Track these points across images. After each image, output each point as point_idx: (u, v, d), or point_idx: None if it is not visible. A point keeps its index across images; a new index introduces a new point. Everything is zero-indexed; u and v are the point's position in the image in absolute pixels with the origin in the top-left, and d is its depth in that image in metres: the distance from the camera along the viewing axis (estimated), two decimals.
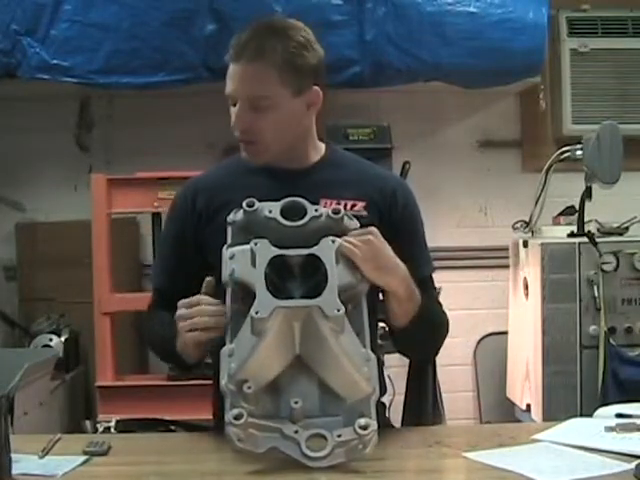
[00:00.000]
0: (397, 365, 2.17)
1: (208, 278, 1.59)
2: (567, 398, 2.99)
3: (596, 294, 2.99)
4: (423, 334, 1.69)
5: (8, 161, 3.66)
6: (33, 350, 3.22)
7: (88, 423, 3.14)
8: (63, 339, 3.31)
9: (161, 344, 1.74)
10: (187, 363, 1.66)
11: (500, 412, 3.62)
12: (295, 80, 1.68)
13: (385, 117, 3.56)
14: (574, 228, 3.14)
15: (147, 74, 3.18)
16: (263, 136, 1.70)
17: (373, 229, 1.57)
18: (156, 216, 3.26)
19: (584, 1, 3.67)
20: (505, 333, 3.55)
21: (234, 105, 1.70)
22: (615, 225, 3.21)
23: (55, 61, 3.14)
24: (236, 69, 1.67)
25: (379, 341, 1.77)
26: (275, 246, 1.51)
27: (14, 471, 1.33)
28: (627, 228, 3.20)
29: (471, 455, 1.48)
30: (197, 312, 1.53)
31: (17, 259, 3.67)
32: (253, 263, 1.49)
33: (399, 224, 1.75)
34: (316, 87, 1.73)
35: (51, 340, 3.29)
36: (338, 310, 1.44)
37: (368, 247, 1.53)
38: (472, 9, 3.22)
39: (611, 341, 2.95)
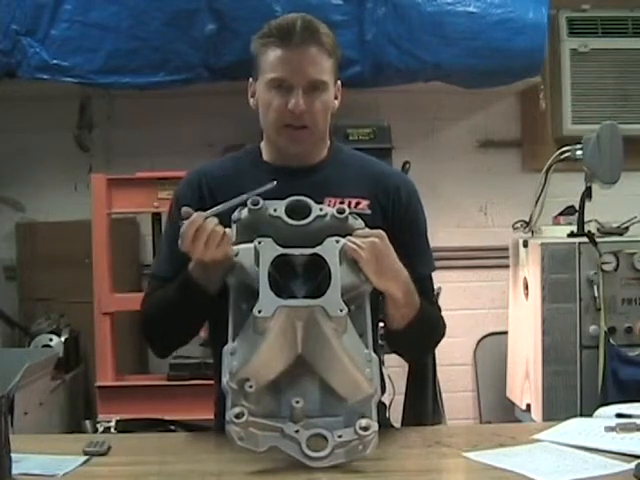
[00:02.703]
0: (397, 365, 2.17)
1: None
2: (567, 398, 2.99)
3: (596, 294, 2.99)
4: (418, 338, 1.69)
5: (8, 161, 3.66)
6: (33, 350, 3.22)
7: (88, 423, 3.14)
8: (63, 339, 3.31)
9: (168, 302, 1.70)
10: (208, 292, 1.61)
11: (500, 412, 3.62)
12: (336, 68, 1.72)
13: (385, 117, 3.56)
14: (574, 228, 3.14)
15: (147, 74, 3.18)
16: (316, 120, 1.70)
17: (380, 232, 1.57)
18: (156, 216, 3.26)
19: (584, 1, 3.67)
20: (505, 333, 3.54)
21: (278, 90, 1.67)
22: (615, 225, 3.21)
23: (55, 61, 3.14)
24: (289, 53, 1.65)
25: (379, 341, 1.76)
26: (279, 245, 1.51)
27: (14, 471, 1.33)
28: (627, 228, 3.20)
29: (471, 455, 1.48)
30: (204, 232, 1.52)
31: (17, 259, 3.67)
32: (257, 261, 1.49)
33: (402, 222, 1.76)
34: (338, 80, 1.76)
35: (51, 340, 3.29)
36: (341, 310, 1.44)
37: (371, 249, 1.53)
38: (472, 9, 3.22)
39: (611, 341, 2.95)
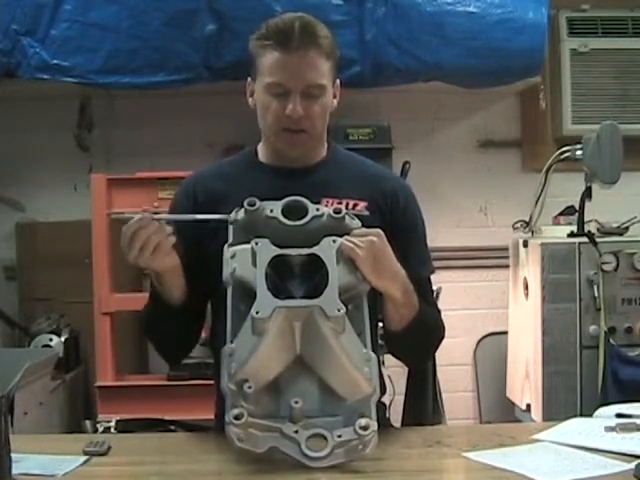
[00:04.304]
0: (397, 365, 2.16)
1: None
2: (567, 398, 2.99)
3: (596, 294, 2.98)
4: (417, 340, 1.69)
5: (8, 161, 3.66)
6: (33, 350, 3.22)
7: (88, 423, 3.14)
8: (63, 339, 3.31)
9: (150, 313, 1.74)
10: (172, 301, 1.65)
11: (500, 412, 3.62)
12: (334, 69, 1.72)
13: (385, 117, 3.56)
14: (574, 228, 3.14)
15: (147, 74, 3.18)
16: (314, 124, 1.70)
17: (378, 231, 1.56)
18: None
19: (584, 1, 3.67)
20: (505, 333, 3.54)
21: (276, 95, 1.67)
22: (615, 225, 3.21)
23: (55, 61, 3.14)
24: (287, 57, 1.64)
25: (379, 341, 1.76)
26: (276, 245, 1.51)
27: (14, 471, 1.33)
28: (627, 228, 3.20)
29: (471, 455, 1.48)
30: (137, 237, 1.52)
31: (17, 259, 3.67)
32: (254, 262, 1.49)
33: (400, 224, 1.75)
34: (337, 79, 1.76)
35: (51, 340, 3.28)
36: (339, 310, 1.44)
37: (369, 248, 1.53)
38: (472, 9, 3.22)
39: (611, 341, 2.95)
